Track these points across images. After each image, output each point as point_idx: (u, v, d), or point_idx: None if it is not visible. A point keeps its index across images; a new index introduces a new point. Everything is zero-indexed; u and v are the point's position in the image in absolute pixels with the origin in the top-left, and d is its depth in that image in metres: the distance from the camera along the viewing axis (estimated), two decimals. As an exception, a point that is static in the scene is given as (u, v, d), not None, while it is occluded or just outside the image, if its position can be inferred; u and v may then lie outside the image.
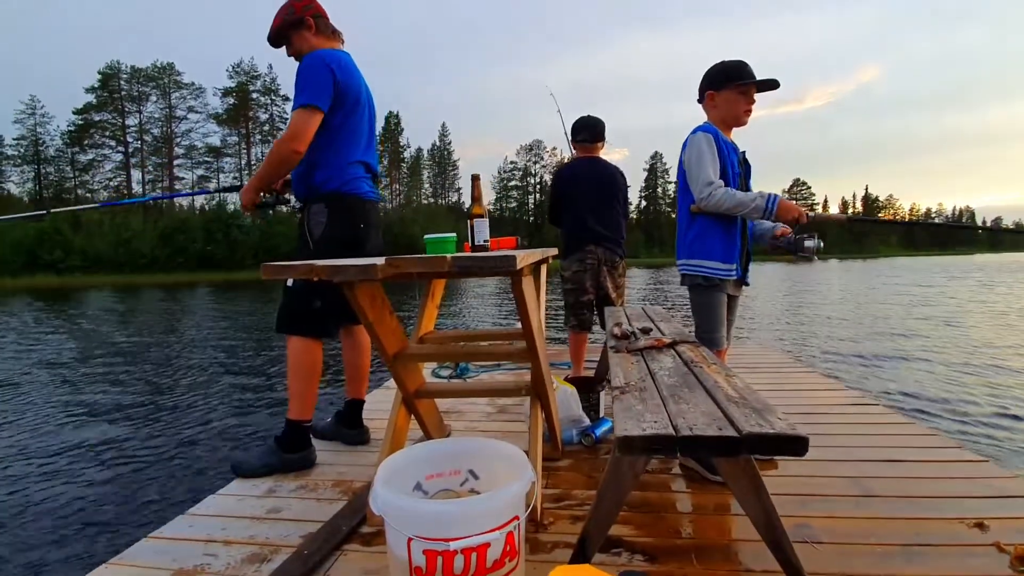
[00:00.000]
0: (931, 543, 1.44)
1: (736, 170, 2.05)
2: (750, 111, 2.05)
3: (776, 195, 1.96)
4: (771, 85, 2.03)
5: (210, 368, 6.41)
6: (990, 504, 1.64)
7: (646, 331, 2.05)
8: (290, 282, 2.07)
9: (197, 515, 1.75)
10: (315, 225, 2.06)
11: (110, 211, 40.77)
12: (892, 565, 1.35)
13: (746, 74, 2.01)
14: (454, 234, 1.81)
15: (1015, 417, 4.05)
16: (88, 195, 53.40)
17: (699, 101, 2.15)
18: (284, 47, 2.10)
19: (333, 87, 1.94)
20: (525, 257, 1.35)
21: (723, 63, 2.07)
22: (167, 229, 41.76)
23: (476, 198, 1.81)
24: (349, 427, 2.35)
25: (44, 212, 3.14)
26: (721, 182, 1.95)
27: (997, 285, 18.17)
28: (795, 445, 0.94)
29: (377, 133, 2.34)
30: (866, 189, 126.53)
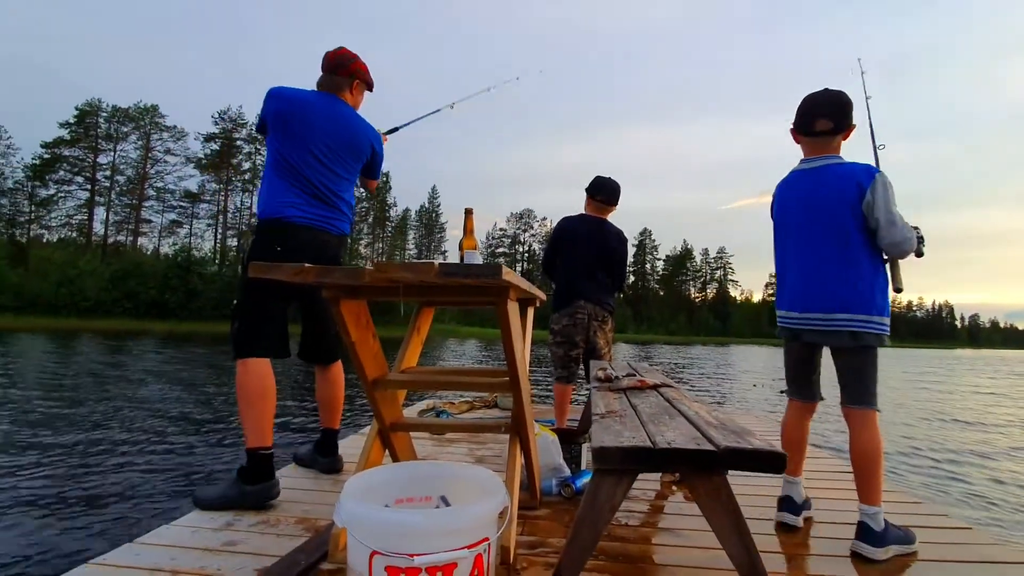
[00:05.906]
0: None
1: None
2: None
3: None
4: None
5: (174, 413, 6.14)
6: (978, 570, 1.59)
7: (630, 376, 2.04)
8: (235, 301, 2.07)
9: (145, 544, 1.63)
10: (248, 254, 2.08)
11: (61, 248, 35.87)
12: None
13: None
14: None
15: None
16: (43, 231, 48.87)
17: (824, 131, 1.82)
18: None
19: (268, 115, 2.03)
20: (513, 275, 1.36)
21: None
22: (119, 271, 38.01)
23: (468, 231, 1.84)
24: (323, 455, 2.35)
25: None
26: None
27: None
28: (774, 461, 0.92)
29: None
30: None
